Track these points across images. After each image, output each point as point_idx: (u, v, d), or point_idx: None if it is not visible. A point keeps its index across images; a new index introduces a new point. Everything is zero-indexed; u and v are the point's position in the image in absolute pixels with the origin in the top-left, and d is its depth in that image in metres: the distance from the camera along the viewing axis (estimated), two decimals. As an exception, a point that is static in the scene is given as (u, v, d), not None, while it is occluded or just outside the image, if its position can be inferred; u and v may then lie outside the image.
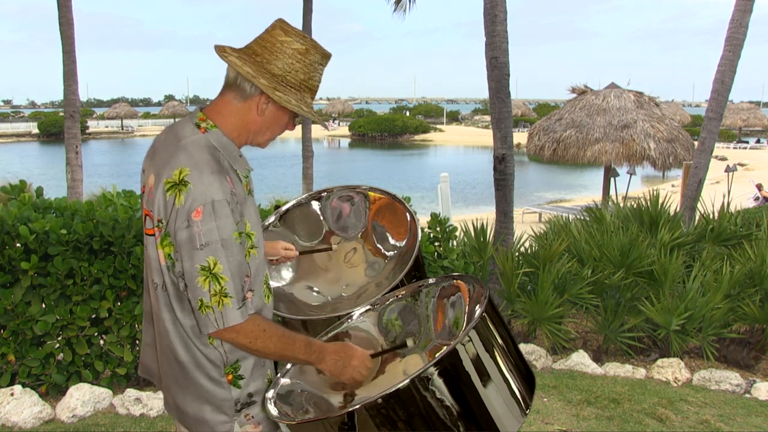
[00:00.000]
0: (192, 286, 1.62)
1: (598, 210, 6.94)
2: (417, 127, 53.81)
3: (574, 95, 14.83)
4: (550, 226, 7.24)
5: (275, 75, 1.71)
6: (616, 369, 5.08)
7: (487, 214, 7.74)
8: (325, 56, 1.79)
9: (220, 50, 1.72)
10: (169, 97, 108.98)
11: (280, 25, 1.75)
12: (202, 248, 1.58)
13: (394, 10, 15.67)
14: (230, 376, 1.73)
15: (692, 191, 8.06)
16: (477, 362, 1.60)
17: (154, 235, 1.69)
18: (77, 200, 4.44)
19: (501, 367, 1.67)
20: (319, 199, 2.56)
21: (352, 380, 1.84)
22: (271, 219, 2.53)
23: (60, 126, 39.15)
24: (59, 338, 4.05)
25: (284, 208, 2.56)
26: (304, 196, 2.59)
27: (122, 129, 57.52)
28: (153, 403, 3.92)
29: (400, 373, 1.96)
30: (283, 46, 1.72)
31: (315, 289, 2.49)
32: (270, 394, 1.80)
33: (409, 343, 1.95)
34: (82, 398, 3.87)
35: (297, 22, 13.29)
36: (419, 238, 2.30)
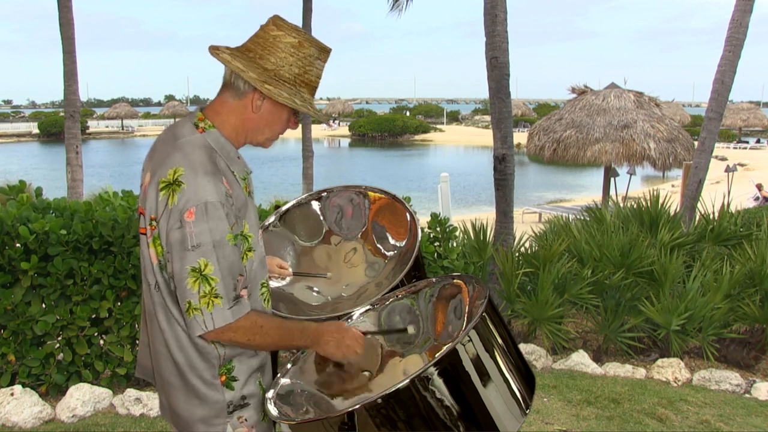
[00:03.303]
0: (181, 288, 1.60)
1: (598, 210, 6.94)
2: (417, 127, 53.81)
3: (574, 95, 14.82)
4: (550, 226, 7.24)
5: (267, 69, 1.68)
6: (616, 369, 5.08)
7: (487, 214, 7.75)
8: (323, 50, 1.75)
9: (214, 49, 1.71)
10: (170, 97, 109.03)
11: (274, 20, 1.73)
12: (194, 249, 1.57)
13: (391, 8, 15.63)
14: (224, 378, 1.72)
15: (692, 191, 8.05)
16: (477, 362, 1.60)
17: (146, 233, 1.69)
18: (77, 200, 4.45)
19: (501, 367, 1.67)
20: (319, 199, 2.56)
21: (346, 358, 1.85)
22: (271, 219, 2.53)
23: (60, 126, 39.16)
24: (59, 338, 4.05)
25: (284, 208, 2.56)
26: (304, 196, 2.59)
27: (122, 129, 57.52)
28: (153, 403, 3.92)
29: (400, 373, 1.96)
30: (276, 41, 1.70)
31: (315, 289, 2.48)
32: (270, 394, 1.79)
33: (410, 329, 1.97)
34: (82, 398, 3.87)
35: (297, 23, 13.25)
36: (419, 238, 2.30)
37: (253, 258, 1.74)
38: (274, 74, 1.68)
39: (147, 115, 69.34)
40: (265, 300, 1.83)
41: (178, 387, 1.73)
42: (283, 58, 1.69)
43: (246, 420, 1.75)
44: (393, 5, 15.50)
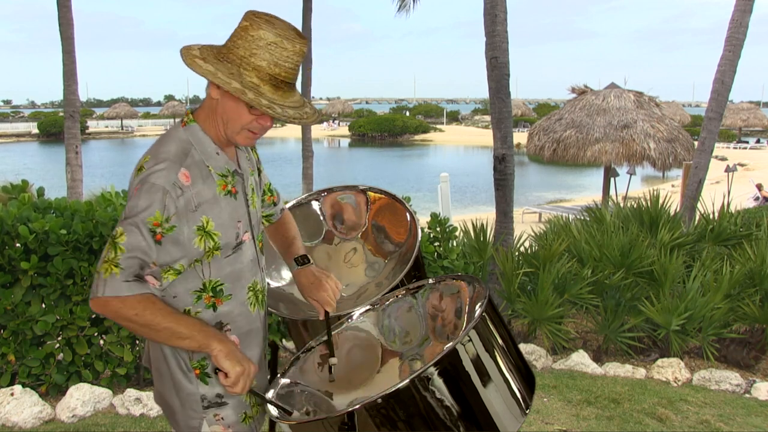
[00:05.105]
0: None
1: (598, 210, 6.94)
2: (417, 127, 53.80)
3: (574, 95, 14.82)
4: (550, 226, 7.24)
5: (219, 53, 1.67)
6: (616, 369, 5.08)
7: (487, 214, 7.74)
8: (282, 34, 1.63)
9: (186, 50, 1.70)
10: (169, 97, 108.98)
11: (246, 13, 1.71)
12: (122, 220, 1.63)
13: (398, 9, 15.71)
14: (197, 371, 1.74)
15: (692, 191, 8.05)
16: (477, 362, 1.60)
17: None
18: (77, 200, 4.44)
19: (501, 367, 1.67)
20: (319, 199, 2.56)
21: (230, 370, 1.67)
22: (272, 219, 2.53)
23: (60, 126, 39.11)
24: (59, 338, 4.05)
25: (284, 208, 2.56)
26: (304, 196, 2.59)
27: (122, 129, 57.54)
28: (153, 403, 3.91)
29: (400, 374, 1.96)
30: (236, 29, 1.68)
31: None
32: (270, 394, 1.80)
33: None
34: (82, 398, 3.87)
35: (297, 23, 13.25)
36: (419, 238, 2.30)
37: (220, 256, 1.71)
38: (220, 55, 1.66)
39: (147, 115, 69.35)
40: (251, 304, 1.82)
41: (164, 374, 1.77)
42: (232, 41, 1.66)
43: (223, 419, 1.77)
44: (400, 6, 15.58)
